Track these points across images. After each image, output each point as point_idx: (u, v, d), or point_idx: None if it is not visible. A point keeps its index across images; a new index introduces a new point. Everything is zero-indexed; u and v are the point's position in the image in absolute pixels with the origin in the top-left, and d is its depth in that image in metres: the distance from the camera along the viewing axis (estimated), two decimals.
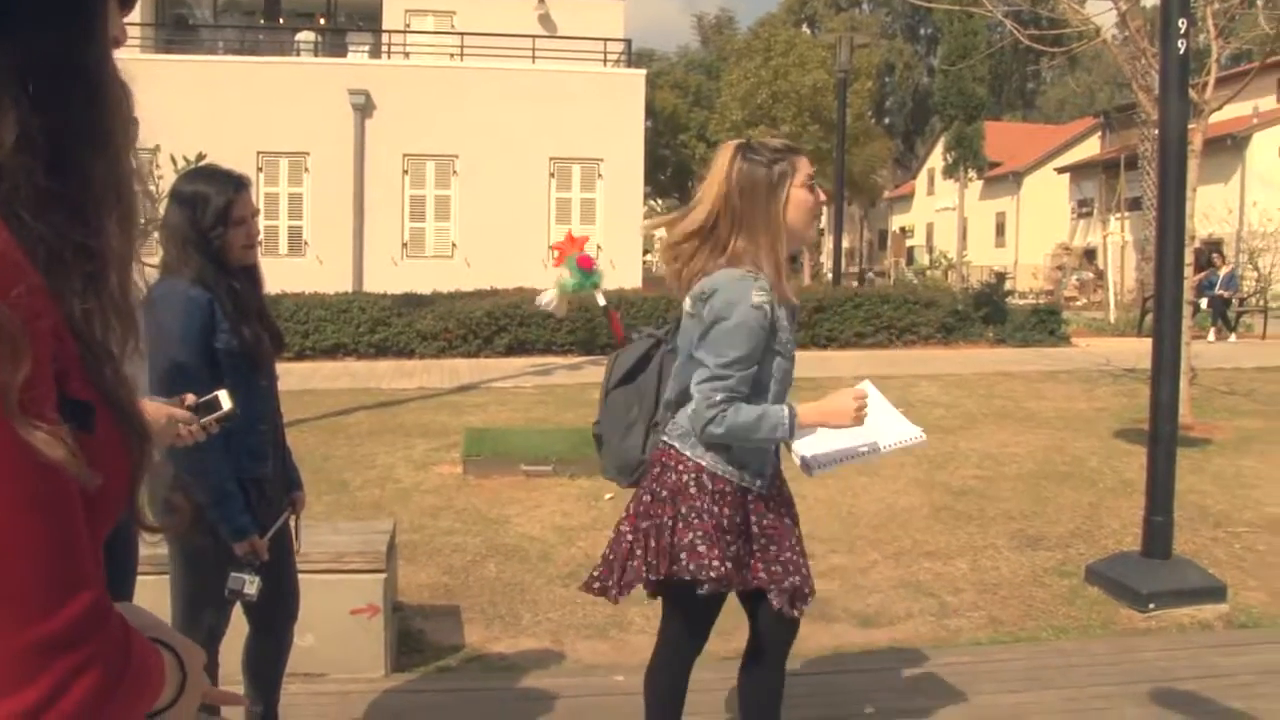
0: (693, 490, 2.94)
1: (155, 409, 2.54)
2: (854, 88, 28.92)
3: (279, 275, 16.68)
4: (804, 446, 3.07)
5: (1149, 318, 14.68)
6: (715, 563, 2.92)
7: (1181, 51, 5.09)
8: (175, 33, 24.34)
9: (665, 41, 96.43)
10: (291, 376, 12.38)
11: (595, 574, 3.17)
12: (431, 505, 7.01)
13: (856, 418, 2.93)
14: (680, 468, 2.96)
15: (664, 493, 2.97)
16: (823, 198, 3.06)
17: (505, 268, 19.49)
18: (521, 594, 5.49)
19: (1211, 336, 18.21)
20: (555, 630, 5.05)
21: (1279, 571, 5.99)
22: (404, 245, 22.11)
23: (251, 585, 3.07)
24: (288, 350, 14.87)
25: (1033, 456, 8.59)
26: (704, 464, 2.93)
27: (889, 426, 3.20)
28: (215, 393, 2.71)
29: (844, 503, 7.20)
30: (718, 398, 2.81)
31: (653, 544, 2.97)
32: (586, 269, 3.32)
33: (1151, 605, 5.24)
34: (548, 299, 3.29)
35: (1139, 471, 6.20)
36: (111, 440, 1.02)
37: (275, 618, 3.40)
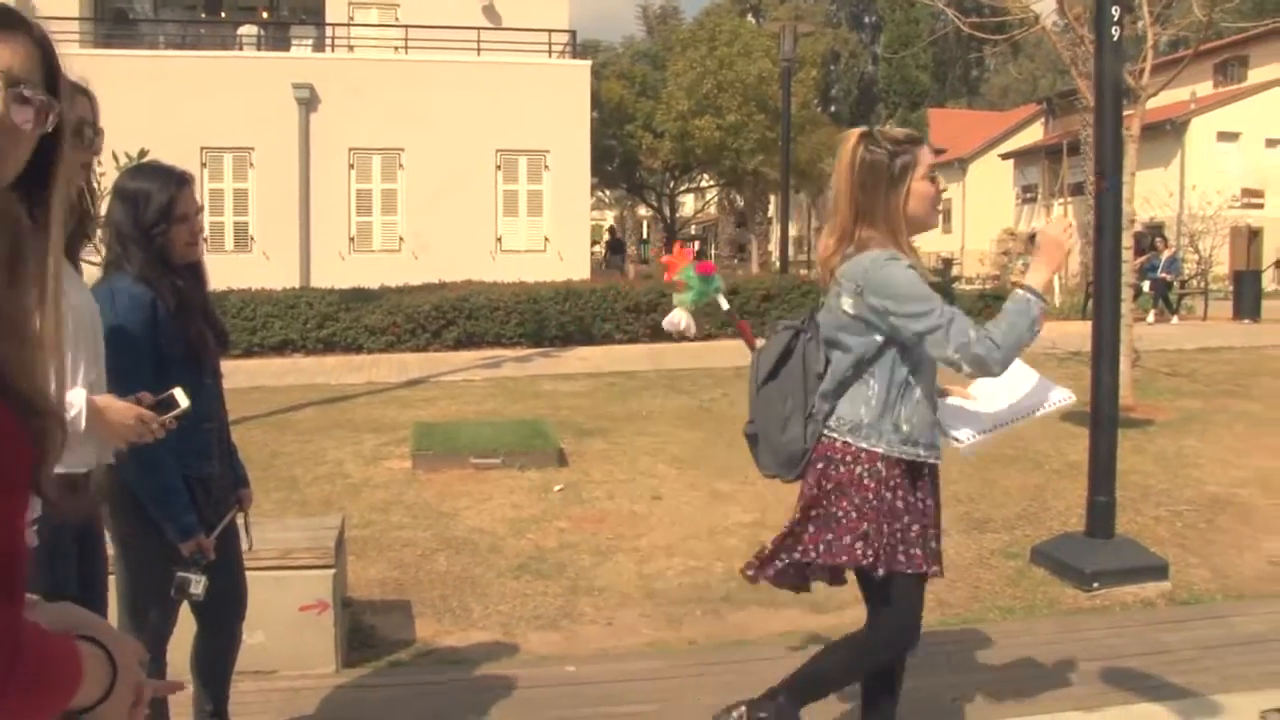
0: (867, 480, 2.98)
1: (124, 408, 2.59)
2: (799, 77, 28.95)
3: (226, 271, 16.57)
4: (954, 423, 3.15)
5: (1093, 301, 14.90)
6: (916, 551, 3.02)
7: (1116, 39, 5.17)
8: (115, 27, 23.87)
9: (611, 32, 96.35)
10: (239, 373, 12.27)
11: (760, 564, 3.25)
12: (381, 500, 6.97)
13: (1070, 239, 2.98)
14: (849, 459, 3.00)
15: (829, 485, 3.02)
16: (944, 186, 3.11)
17: (454, 261, 19.40)
18: (472, 587, 5.48)
19: (1151, 319, 18.51)
20: (506, 622, 5.05)
21: (1220, 549, 6.12)
22: (351, 240, 21.90)
23: (198, 585, 3.04)
24: (235, 347, 14.72)
25: None
26: (880, 450, 2.98)
27: (1036, 392, 3.26)
28: (171, 390, 2.73)
29: (793, 489, 7.19)
30: (971, 332, 2.85)
31: (829, 534, 3.04)
32: (707, 274, 3.30)
33: (1095, 584, 5.33)
34: (677, 320, 3.27)
35: (1084, 453, 6.29)
36: (6, 430, 1.01)
37: (224, 615, 3.38)
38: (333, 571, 4.32)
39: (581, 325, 16.27)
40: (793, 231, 58.88)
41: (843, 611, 5.16)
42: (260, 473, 7.50)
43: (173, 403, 2.72)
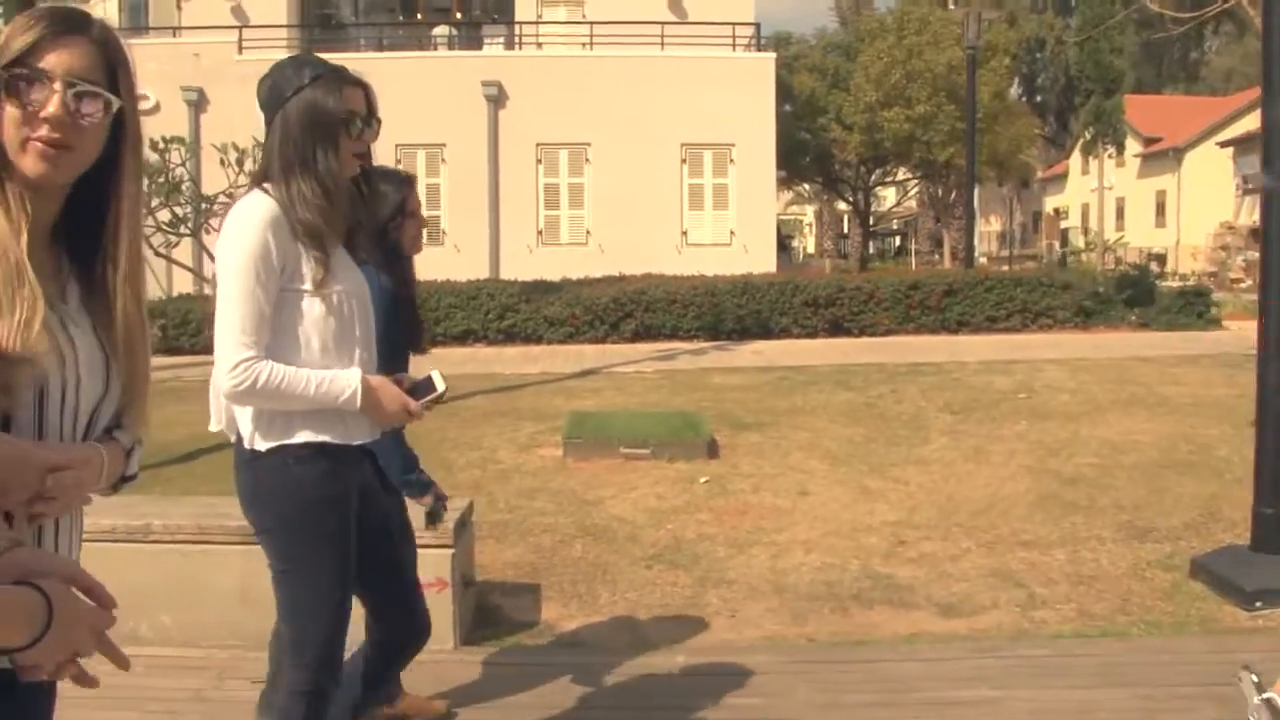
0: None
1: (395, 393, 2.69)
2: (990, 65, 27.90)
3: (419, 264, 17.12)
4: None
5: None
6: None
7: None
8: (320, 32, 25.16)
9: (804, 24, 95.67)
10: (421, 362, 12.73)
11: None
12: (529, 486, 7.12)
13: None
14: None
15: None
16: None
17: (639, 254, 19.60)
18: (603, 574, 5.54)
19: None
20: (630, 610, 5.08)
21: None
22: (539, 233, 22.43)
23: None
24: None
25: (1157, 445, 8.23)
26: None
27: None
28: (430, 374, 2.79)
29: (945, 489, 7.03)
30: None
31: None
32: None
33: (1258, 604, 4.94)
34: None
35: None
36: None
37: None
38: (452, 551, 4.44)
39: (759, 319, 16.20)
40: (995, 225, 57.02)
41: (976, 617, 4.99)
42: (420, 456, 7.78)
43: (430, 385, 2.75)
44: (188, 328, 14.52)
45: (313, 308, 2.55)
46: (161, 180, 11.59)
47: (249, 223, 2.52)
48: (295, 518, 2.63)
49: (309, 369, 2.54)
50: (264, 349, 2.50)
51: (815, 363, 13.01)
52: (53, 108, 1.48)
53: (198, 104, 19.95)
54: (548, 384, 11.71)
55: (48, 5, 1.66)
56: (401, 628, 3.13)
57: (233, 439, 2.70)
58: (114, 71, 1.56)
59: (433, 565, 4.42)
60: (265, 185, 2.60)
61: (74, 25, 1.54)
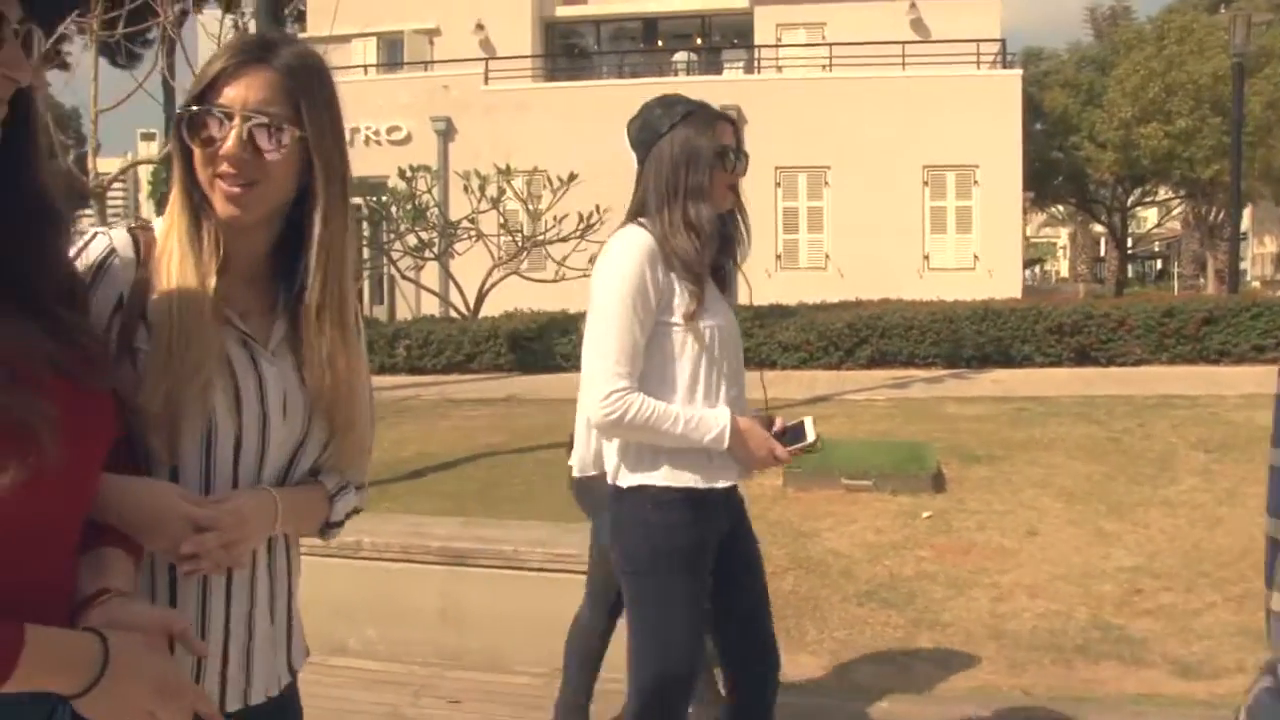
0: None
1: (762, 438, 2.61)
2: (1264, 72, 25.86)
3: None
4: None
5: None
6: None
7: None
8: (565, 61, 26.00)
9: (1056, 38, 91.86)
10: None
11: None
12: None
13: None
14: None
15: None
16: None
17: (879, 278, 19.23)
18: (813, 610, 5.41)
19: None
20: (838, 649, 4.94)
21: None
22: (778, 257, 22.33)
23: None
24: None
25: None
26: None
27: None
28: (802, 420, 2.71)
29: (1192, 535, 6.52)
30: None
31: None
32: None
33: None
34: None
35: None
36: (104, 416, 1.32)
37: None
38: None
39: (1000, 346, 15.55)
40: (1270, 247, 53.00)
41: (1217, 680, 4.59)
42: None
43: (800, 434, 2.63)
44: (429, 348, 15.08)
45: (684, 341, 2.55)
46: (409, 207, 12.18)
47: (628, 255, 2.54)
48: (648, 563, 2.59)
49: (678, 405, 2.52)
50: (637, 381, 2.51)
51: (1056, 393, 12.37)
52: (229, 143, 1.47)
53: (446, 133, 20.91)
54: (775, 410, 11.56)
55: (246, 34, 1.69)
56: (756, 662, 2.95)
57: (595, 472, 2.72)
58: (296, 99, 1.50)
59: None
60: (641, 220, 2.63)
61: (257, 55, 1.51)
